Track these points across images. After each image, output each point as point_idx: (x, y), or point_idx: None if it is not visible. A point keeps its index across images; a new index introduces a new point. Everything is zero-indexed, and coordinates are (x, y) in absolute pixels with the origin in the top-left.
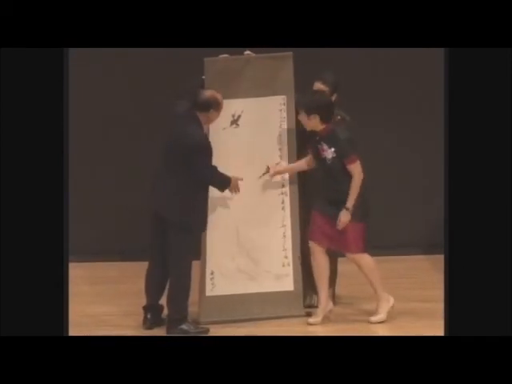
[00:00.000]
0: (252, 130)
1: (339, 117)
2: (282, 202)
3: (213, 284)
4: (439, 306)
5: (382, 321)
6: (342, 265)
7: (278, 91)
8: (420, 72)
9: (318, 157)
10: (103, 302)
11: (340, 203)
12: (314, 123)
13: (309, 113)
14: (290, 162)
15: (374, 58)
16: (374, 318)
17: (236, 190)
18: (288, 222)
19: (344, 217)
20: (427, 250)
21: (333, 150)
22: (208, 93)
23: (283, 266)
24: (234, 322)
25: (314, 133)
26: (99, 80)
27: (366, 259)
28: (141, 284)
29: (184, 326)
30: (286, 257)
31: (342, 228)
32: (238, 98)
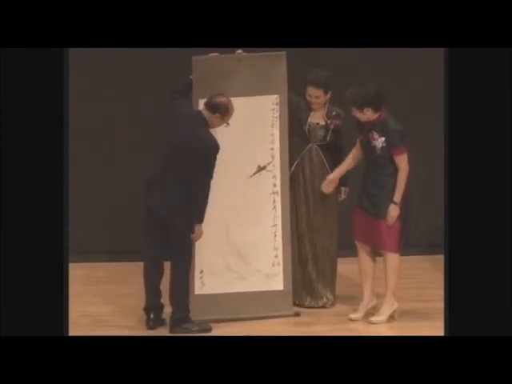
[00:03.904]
0: (243, 129)
1: (334, 113)
2: (274, 202)
3: (202, 283)
4: (439, 306)
5: (382, 322)
6: (343, 265)
7: (270, 91)
8: (420, 72)
9: (368, 145)
10: (102, 302)
11: (377, 198)
12: (368, 115)
13: (361, 108)
14: (282, 161)
15: (374, 57)
16: (374, 319)
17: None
18: (279, 222)
19: (393, 211)
20: (427, 250)
21: (383, 139)
22: (223, 98)
23: (273, 265)
24: (224, 321)
25: (363, 123)
26: (99, 80)
27: (393, 258)
28: (138, 284)
29: (187, 325)
30: (276, 256)
31: (391, 222)
32: (229, 97)
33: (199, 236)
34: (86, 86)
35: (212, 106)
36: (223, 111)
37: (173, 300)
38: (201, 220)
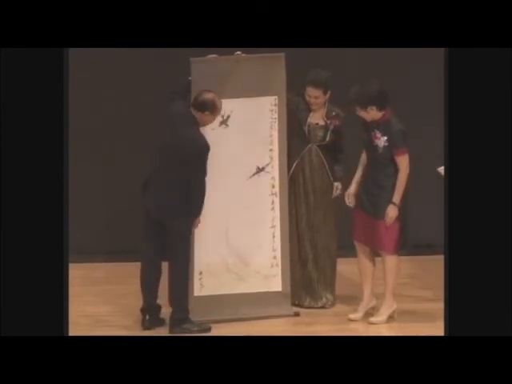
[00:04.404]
0: (242, 130)
1: (334, 113)
2: (272, 203)
3: (201, 284)
4: (439, 306)
5: (382, 323)
6: (343, 265)
7: (269, 92)
8: (420, 72)
9: (370, 144)
10: (101, 302)
11: (377, 198)
12: (372, 114)
13: (365, 107)
14: (280, 163)
15: (374, 57)
16: (374, 319)
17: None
18: (278, 223)
19: (391, 212)
20: (426, 250)
21: (385, 138)
22: (209, 94)
23: (272, 266)
24: (223, 321)
25: (368, 122)
26: (99, 80)
27: (391, 258)
28: (138, 284)
29: (187, 325)
30: (274, 257)
31: (389, 223)
32: (227, 98)
33: (197, 225)
34: (86, 85)
35: (199, 105)
36: (212, 108)
37: (172, 300)
38: (197, 216)
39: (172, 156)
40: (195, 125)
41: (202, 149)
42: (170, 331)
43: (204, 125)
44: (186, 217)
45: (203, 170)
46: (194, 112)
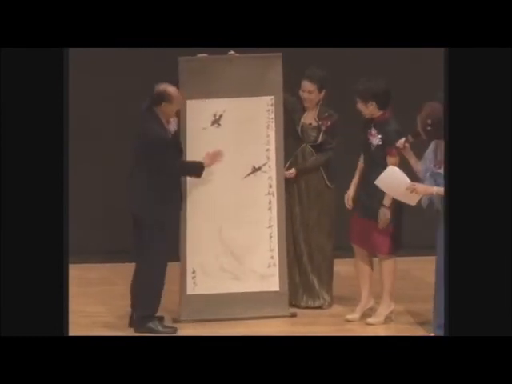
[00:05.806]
0: (236, 129)
1: (326, 114)
2: (269, 203)
3: (194, 283)
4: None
5: (380, 323)
6: (342, 265)
7: (265, 92)
8: (420, 72)
9: (365, 141)
10: (99, 303)
11: (372, 200)
12: (371, 110)
13: (366, 100)
14: (277, 163)
15: (374, 57)
16: (371, 320)
17: (214, 161)
18: (275, 223)
19: (382, 214)
20: (425, 250)
21: (380, 136)
22: (160, 86)
23: (269, 266)
24: (216, 320)
25: (366, 120)
26: (99, 80)
27: (388, 262)
28: None
29: (151, 325)
30: (272, 257)
31: (382, 227)
32: (220, 97)
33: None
34: (86, 85)
35: (155, 100)
36: (166, 98)
37: (137, 297)
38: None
39: (138, 154)
40: (154, 120)
41: (155, 140)
42: (135, 329)
43: (168, 116)
44: (156, 214)
45: (169, 166)
46: (155, 108)
